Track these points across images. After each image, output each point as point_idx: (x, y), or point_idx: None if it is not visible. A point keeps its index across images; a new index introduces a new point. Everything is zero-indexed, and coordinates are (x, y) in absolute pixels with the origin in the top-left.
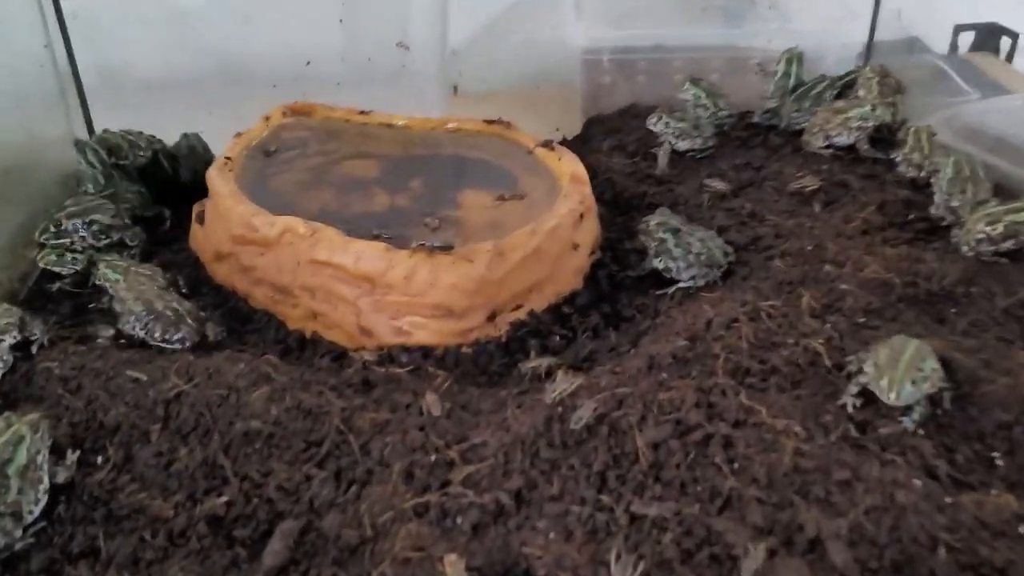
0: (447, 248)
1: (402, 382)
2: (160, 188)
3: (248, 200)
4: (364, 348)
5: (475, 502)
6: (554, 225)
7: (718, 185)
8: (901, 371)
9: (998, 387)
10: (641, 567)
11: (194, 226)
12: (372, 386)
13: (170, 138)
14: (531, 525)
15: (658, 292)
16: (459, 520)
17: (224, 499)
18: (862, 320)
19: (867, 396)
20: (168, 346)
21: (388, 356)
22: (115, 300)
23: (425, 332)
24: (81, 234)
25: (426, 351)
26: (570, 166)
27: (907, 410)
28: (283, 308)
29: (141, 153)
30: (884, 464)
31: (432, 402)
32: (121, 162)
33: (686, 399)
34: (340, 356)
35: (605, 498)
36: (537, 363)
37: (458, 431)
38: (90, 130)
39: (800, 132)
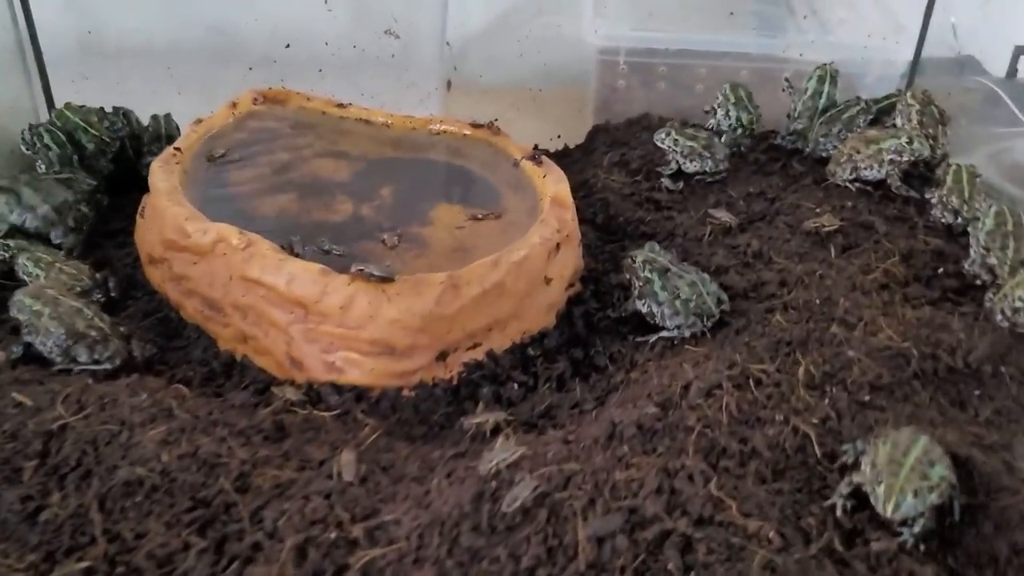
0: (387, 279)
1: (322, 430)
2: (121, 171)
3: (185, 200)
4: (292, 381)
5: None
6: (522, 257)
7: (724, 217)
8: (903, 478)
9: (1021, 500)
10: None
11: (138, 219)
12: (286, 434)
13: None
14: None
15: (638, 339)
16: None
17: (84, 564)
18: (867, 398)
19: (861, 497)
20: (97, 368)
21: (316, 395)
22: (27, 315)
23: (360, 371)
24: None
25: (360, 392)
26: (553, 186)
27: (907, 521)
28: (214, 326)
29: (104, 138)
30: None
31: (346, 463)
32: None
33: (646, 482)
34: (265, 388)
35: None
36: (483, 419)
37: (369, 502)
38: (49, 100)
39: (826, 160)
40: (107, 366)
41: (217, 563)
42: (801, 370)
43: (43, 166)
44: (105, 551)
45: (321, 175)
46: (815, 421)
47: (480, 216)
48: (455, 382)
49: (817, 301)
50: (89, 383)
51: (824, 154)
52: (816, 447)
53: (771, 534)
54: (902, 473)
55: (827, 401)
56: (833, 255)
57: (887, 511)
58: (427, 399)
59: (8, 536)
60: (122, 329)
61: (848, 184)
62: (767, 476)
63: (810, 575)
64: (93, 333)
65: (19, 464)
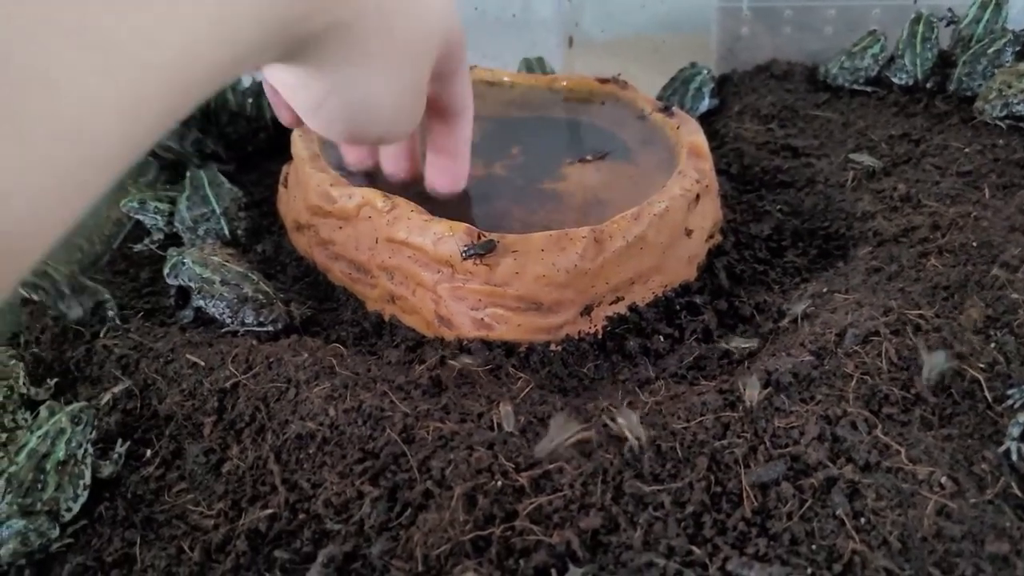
0: (487, 250)
1: (477, 385)
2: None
3: (329, 167)
4: (443, 338)
5: (543, 541)
6: (663, 209)
7: (867, 160)
8: None
9: None
10: None
11: (280, 189)
12: (443, 388)
13: None
14: None
15: (786, 289)
16: (523, 563)
17: (268, 511)
18: None
19: None
20: (261, 329)
21: (467, 351)
22: (199, 281)
23: (508, 327)
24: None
25: (509, 347)
26: (689, 136)
27: None
28: (361, 287)
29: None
30: None
31: (506, 414)
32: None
33: (807, 430)
34: (417, 345)
35: (697, 551)
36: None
37: (531, 452)
38: None
39: (971, 99)
40: (270, 328)
41: (391, 510)
42: (965, 314)
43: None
44: (286, 499)
45: None
46: (982, 365)
47: (589, 158)
48: (600, 336)
49: (974, 244)
50: (254, 344)
51: (968, 93)
52: (986, 391)
53: (943, 479)
54: None
55: (993, 345)
56: (988, 196)
57: None
58: (575, 353)
59: (197, 486)
60: (281, 294)
61: (999, 122)
62: (934, 422)
63: (987, 520)
64: (260, 297)
65: (199, 420)
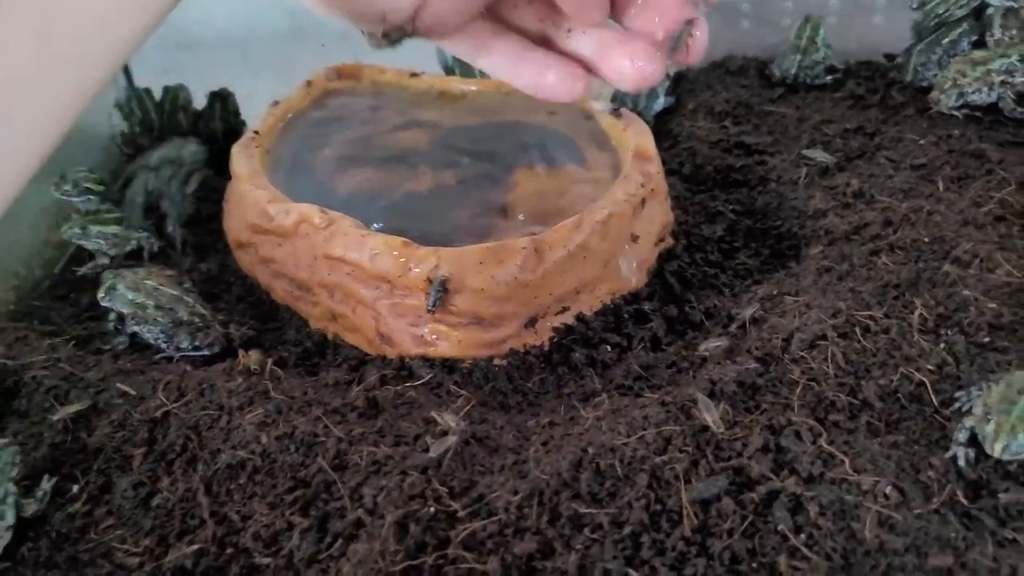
0: (444, 288)
1: (415, 405)
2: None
3: (267, 183)
4: (384, 356)
5: (476, 569)
6: (606, 215)
7: (820, 157)
8: (1016, 415)
9: None
10: None
11: (224, 206)
12: (380, 410)
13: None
14: None
15: (735, 292)
16: None
17: (195, 547)
18: (986, 340)
19: (982, 446)
20: (197, 354)
21: (408, 370)
22: (131, 307)
23: (450, 343)
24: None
25: (451, 364)
26: (635, 138)
27: None
28: (303, 306)
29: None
30: (1002, 545)
31: (439, 438)
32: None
33: (750, 442)
34: (359, 364)
35: (634, 573)
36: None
37: (466, 475)
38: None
39: (928, 89)
40: (206, 352)
41: (321, 540)
42: (915, 315)
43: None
44: (214, 533)
45: (400, 147)
46: (931, 367)
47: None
48: (547, 348)
49: (926, 239)
50: (188, 370)
51: (925, 83)
52: (933, 395)
53: (887, 490)
54: (1015, 411)
55: (943, 346)
56: (941, 189)
57: (996, 451)
58: (520, 367)
59: (125, 521)
60: (220, 316)
61: (954, 112)
62: (880, 429)
63: (932, 532)
64: (196, 320)
65: (128, 452)
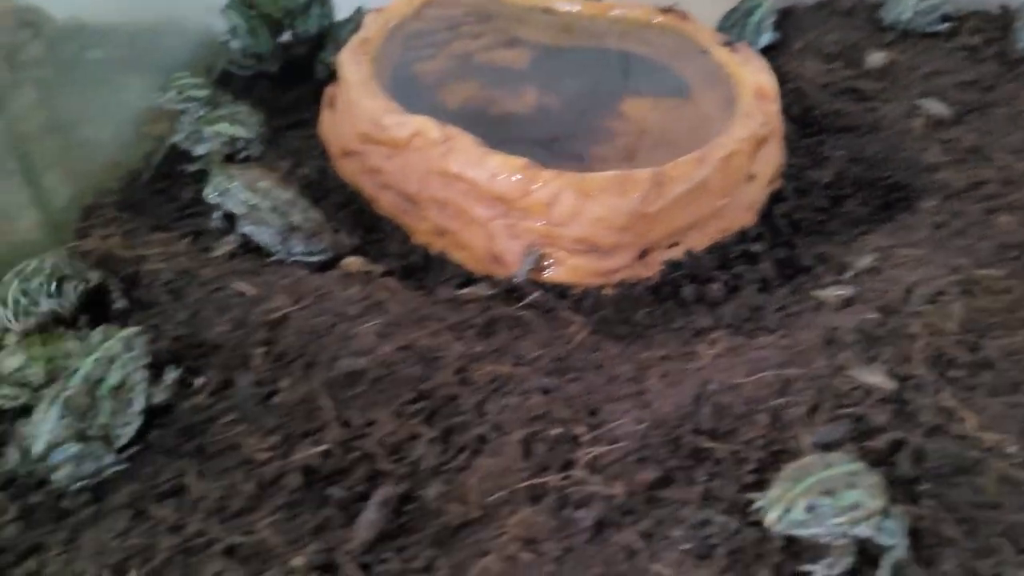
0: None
1: (530, 328)
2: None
3: (380, 92)
4: (493, 276)
5: (600, 492)
6: (728, 153)
7: (934, 108)
8: None
9: None
10: None
11: (324, 112)
12: (495, 330)
13: None
14: (664, 534)
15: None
16: (580, 513)
17: (321, 448)
18: None
19: None
20: (310, 259)
21: (519, 292)
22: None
23: (564, 268)
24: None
25: (562, 290)
26: (755, 76)
27: None
28: (409, 219)
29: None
30: None
31: (559, 359)
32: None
33: (871, 391)
34: (466, 282)
35: (759, 499)
36: None
37: (588, 400)
38: None
39: None
40: (319, 258)
41: (445, 452)
42: None
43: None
44: (339, 435)
45: (503, 65)
46: None
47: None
48: (655, 282)
49: None
50: (303, 274)
51: None
52: None
53: (1011, 448)
54: None
55: None
56: None
57: None
58: (629, 298)
59: (248, 417)
60: (330, 222)
61: None
62: (1002, 388)
63: None
64: (310, 225)
65: (247, 351)
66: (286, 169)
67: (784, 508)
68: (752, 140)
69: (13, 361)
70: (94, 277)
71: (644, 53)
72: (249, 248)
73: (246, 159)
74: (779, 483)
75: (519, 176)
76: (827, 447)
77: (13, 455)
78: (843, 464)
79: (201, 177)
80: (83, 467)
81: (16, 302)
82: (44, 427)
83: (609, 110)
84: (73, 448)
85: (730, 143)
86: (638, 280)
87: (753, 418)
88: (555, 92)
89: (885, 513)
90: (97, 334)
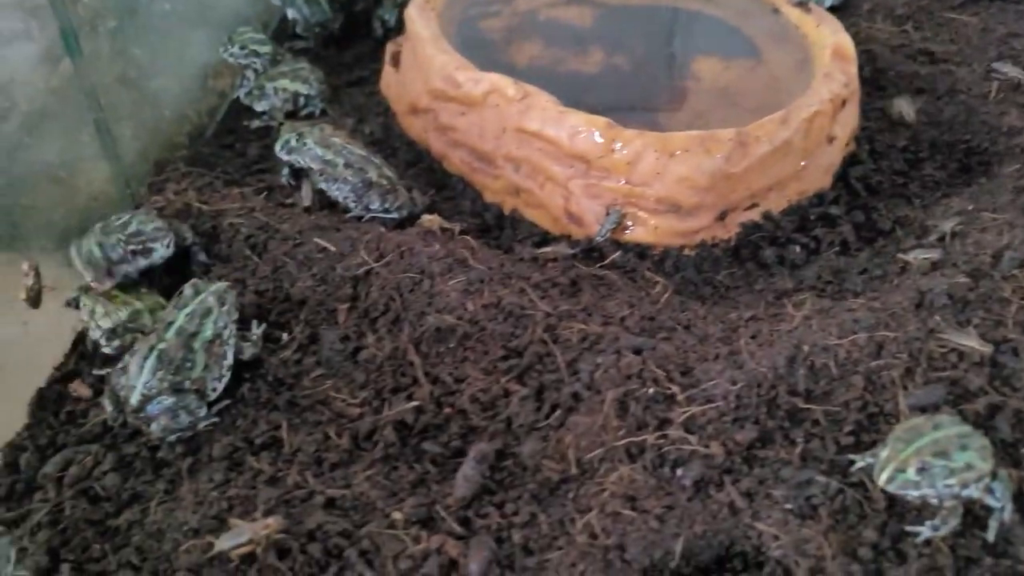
0: (617, 222)
1: (614, 287)
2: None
3: (451, 48)
4: (570, 236)
5: (699, 451)
6: (812, 113)
7: (1011, 72)
8: None
9: None
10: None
11: (387, 69)
12: (580, 288)
13: None
14: (765, 492)
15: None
16: (679, 472)
17: (414, 404)
18: None
19: None
20: (387, 216)
21: (597, 252)
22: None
23: (644, 229)
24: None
25: (642, 250)
26: (832, 36)
27: None
28: (482, 178)
29: None
30: None
31: (648, 319)
32: None
33: (965, 354)
34: (542, 242)
35: (859, 460)
36: None
37: (681, 360)
38: None
39: None
40: (395, 215)
41: (539, 410)
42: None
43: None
44: (430, 391)
45: (567, 23)
46: None
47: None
48: (733, 243)
49: None
50: (382, 231)
51: None
52: None
53: None
54: None
55: None
56: None
57: None
58: (708, 259)
59: (336, 372)
60: (401, 180)
61: None
62: None
63: None
64: (384, 182)
65: (333, 306)
66: (350, 126)
67: (896, 468)
68: (834, 101)
69: (121, 313)
70: (182, 231)
71: (712, 12)
72: (323, 204)
73: (309, 116)
74: (889, 443)
75: (600, 135)
76: (923, 410)
77: (108, 406)
78: (953, 426)
79: (265, 133)
80: (178, 420)
81: (97, 259)
82: (139, 379)
83: (680, 70)
84: (168, 400)
85: (814, 104)
86: (717, 241)
87: (848, 380)
88: (622, 51)
89: (994, 475)
90: (188, 288)
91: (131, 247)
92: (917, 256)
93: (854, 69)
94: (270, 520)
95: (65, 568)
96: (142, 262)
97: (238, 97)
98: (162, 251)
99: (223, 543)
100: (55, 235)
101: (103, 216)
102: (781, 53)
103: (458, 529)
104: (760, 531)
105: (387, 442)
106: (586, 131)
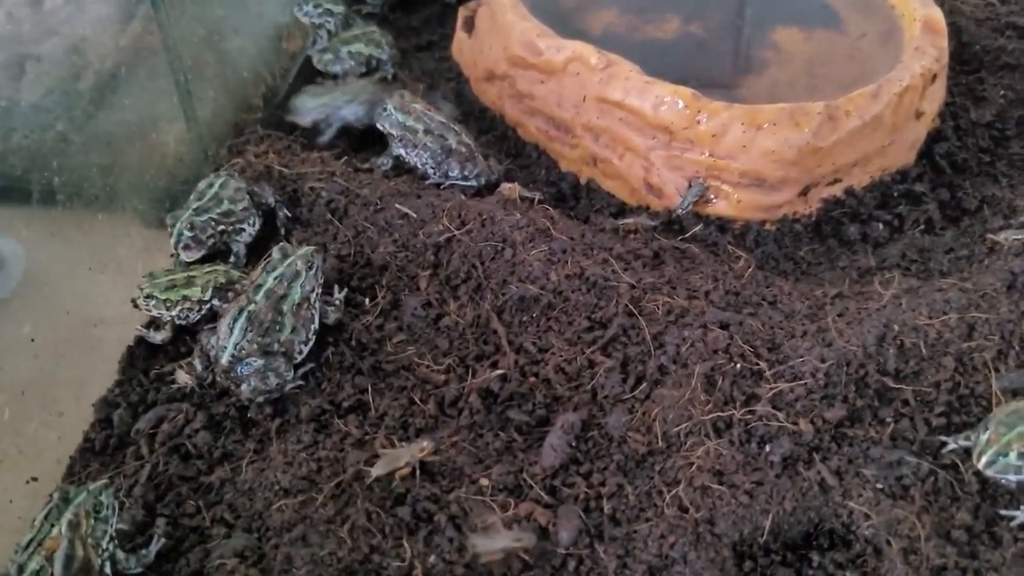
0: (699, 196)
1: (696, 260)
2: None
3: (531, 15)
4: (648, 207)
5: (787, 428)
6: (903, 88)
7: None
8: None
9: None
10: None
11: (459, 34)
12: (663, 261)
13: None
14: (855, 471)
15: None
16: (767, 448)
17: (498, 372)
18: None
19: None
20: (465, 184)
21: (678, 224)
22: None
23: (727, 202)
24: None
25: (723, 224)
26: (923, 9)
27: None
28: (558, 147)
29: None
30: None
31: (733, 293)
32: None
33: None
34: (619, 213)
35: (951, 443)
36: None
37: (768, 335)
38: None
39: None
40: (474, 183)
41: (624, 382)
42: None
43: None
44: (515, 360)
45: None
46: None
47: None
48: (815, 218)
49: None
50: (462, 199)
51: None
52: None
53: None
54: None
55: None
56: None
57: None
58: (789, 234)
59: (419, 338)
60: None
61: None
62: None
63: None
64: (463, 150)
65: (414, 272)
66: (422, 92)
67: (997, 452)
68: (925, 76)
69: (233, 272)
70: (265, 193)
71: None
72: (402, 170)
73: (382, 80)
74: (991, 426)
75: (685, 106)
76: (1015, 393)
77: (198, 366)
78: None
79: None
80: (267, 381)
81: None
82: (230, 340)
83: (760, 40)
84: (258, 362)
85: (905, 78)
86: (798, 216)
87: (939, 360)
88: (700, 20)
89: None
90: (277, 252)
91: (221, 227)
92: (1008, 237)
93: (945, 43)
94: (424, 443)
95: (161, 522)
96: (234, 241)
97: (309, 58)
98: (250, 231)
99: (380, 469)
100: (147, 197)
101: (187, 180)
102: (865, 24)
103: (546, 497)
104: (851, 509)
105: (473, 409)
106: (671, 102)
